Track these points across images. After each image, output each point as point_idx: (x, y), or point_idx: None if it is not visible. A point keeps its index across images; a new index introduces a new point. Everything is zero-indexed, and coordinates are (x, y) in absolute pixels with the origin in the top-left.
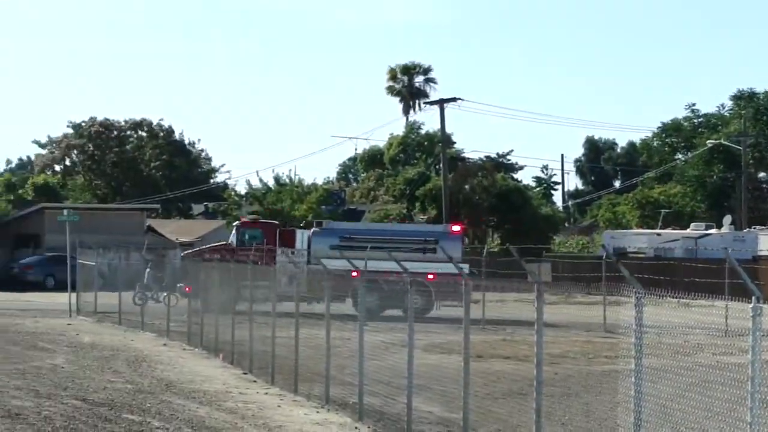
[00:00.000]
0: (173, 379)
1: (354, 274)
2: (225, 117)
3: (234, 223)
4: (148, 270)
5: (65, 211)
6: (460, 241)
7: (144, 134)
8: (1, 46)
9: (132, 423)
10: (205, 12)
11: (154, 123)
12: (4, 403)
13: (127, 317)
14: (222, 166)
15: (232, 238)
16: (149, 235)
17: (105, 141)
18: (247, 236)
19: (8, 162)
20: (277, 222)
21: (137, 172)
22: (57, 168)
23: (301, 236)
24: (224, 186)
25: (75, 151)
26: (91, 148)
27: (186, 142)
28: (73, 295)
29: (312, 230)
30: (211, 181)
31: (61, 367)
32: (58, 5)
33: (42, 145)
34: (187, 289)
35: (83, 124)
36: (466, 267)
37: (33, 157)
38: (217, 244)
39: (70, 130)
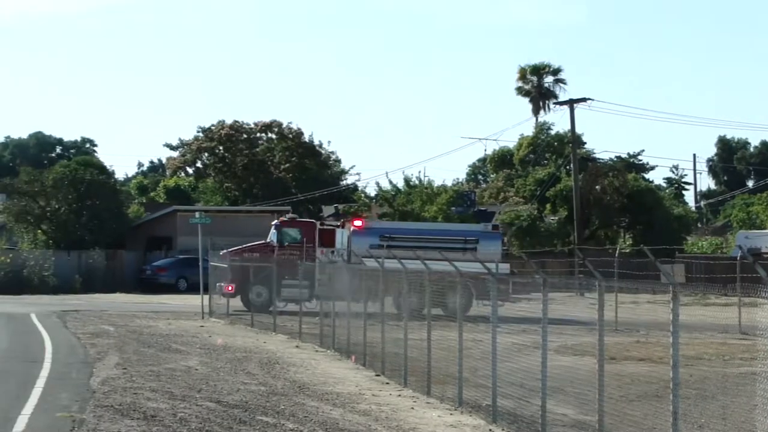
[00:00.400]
0: (306, 381)
1: None
2: (355, 119)
3: (272, 222)
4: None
5: (197, 214)
6: (499, 240)
7: (274, 136)
8: (132, 51)
9: (266, 425)
10: (335, 13)
11: (284, 125)
12: (140, 405)
13: (259, 319)
14: (352, 167)
15: (272, 237)
16: None
17: (235, 143)
18: (286, 235)
19: (140, 165)
20: (314, 221)
21: (267, 174)
22: (189, 170)
23: (341, 235)
24: (354, 188)
25: (206, 154)
26: (222, 151)
27: (316, 143)
28: (206, 297)
29: (352, 229)
30: (341, 182)
31: (195, 369)
32: (185, 12)
33: (173, 148)
34: (229, 288)
35: (213, 127)
36: (506, 267)
37: (164, 160)
38: (257, 243)
39: (201, 134)
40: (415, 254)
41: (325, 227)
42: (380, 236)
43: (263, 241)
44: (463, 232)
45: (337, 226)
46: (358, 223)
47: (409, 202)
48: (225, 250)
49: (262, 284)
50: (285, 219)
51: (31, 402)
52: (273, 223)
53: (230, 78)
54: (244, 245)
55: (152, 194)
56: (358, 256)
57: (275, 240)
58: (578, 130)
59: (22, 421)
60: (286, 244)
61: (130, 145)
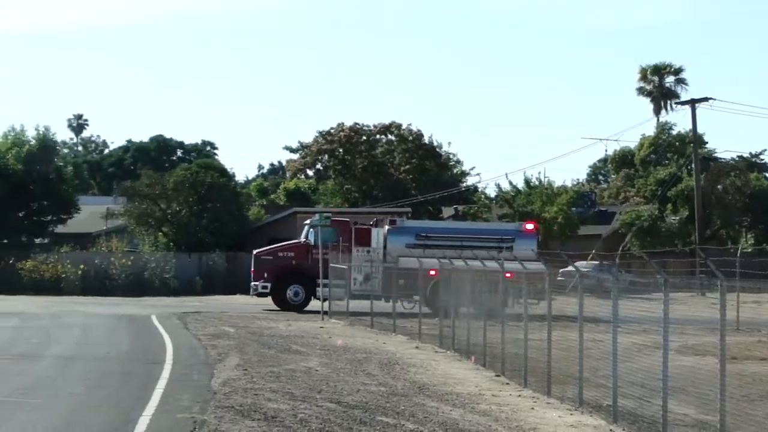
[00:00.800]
0: (426, 382)
1: (432, 272)
2: (476, 120)
3: (305, 222)
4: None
5: (317, 215)
6: (534, 240)
7: (393, 138)
8: (253, 55)
9: (386, 426)
10: (453, 15)
11: (404, 127)
12: (261, 406)
13: (379, 320)
14: (472, 169)
15: (309, 236)
16: None
17: (355, 146)
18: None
19: (260, 167)
20: (349, 219)
21: (387, 175)
22: (308, 173)
23: (377, 234)
24: (474, 189)
25: (326, 156)
26: (341, 153)
27: (435, 145)
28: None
29: (387, 228)
30: (461, 184)
31: (315, 370)
32: (304, 17)
33: (293, 151)
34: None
35: (332, 130)
36: (541, 265)
37: (284, 163)
38: (292, 242)
39: (320, 137)
40: (459, 254)
41: (360, 226)
42: (416, 235)
43: (298, 241)
44: (498, 231)
45: (372, 225)
46: (530, 226)
47: (529, 202)
48: (262, 249)
49: (300, 283)
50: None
51: (152, 403)
52: (306, 222)
53: (350, 80)
54: (279, 244)
55: (272, 196)
56: (392, 256)
57: (312, 239)
58: (700, 129)
59: (143, 422)
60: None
61: (250, 147)
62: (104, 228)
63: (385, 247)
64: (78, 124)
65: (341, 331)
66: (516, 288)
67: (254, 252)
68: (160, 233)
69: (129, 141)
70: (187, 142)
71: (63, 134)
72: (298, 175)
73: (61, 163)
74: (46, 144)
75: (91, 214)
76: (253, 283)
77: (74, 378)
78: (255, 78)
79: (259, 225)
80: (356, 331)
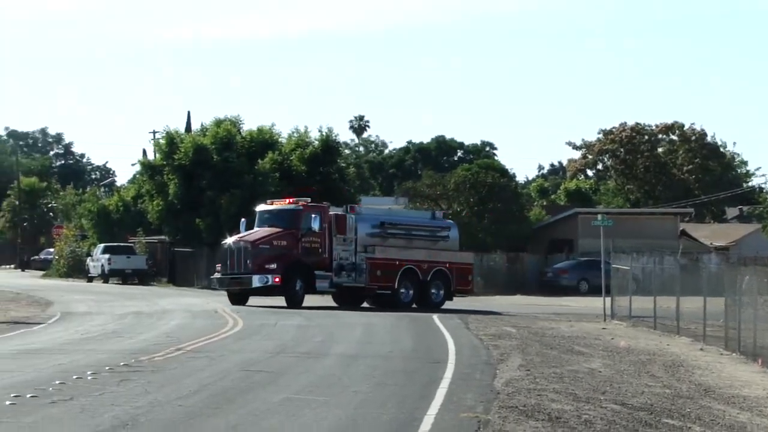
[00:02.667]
0: (711, 384)
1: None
2: (761, 119)
3: (291, 207)
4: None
5: (599, 216)
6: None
7: (675, 138)
8: (532, 55)
9: (672, 428)
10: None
11: (686, 126)
12: (544, 407)
13: (662, 322)
14: (758, 169)
15: (314, 224)
16: (683, 240)
17: (636, 146)
18: (308, 221)
19: (540, 168)
20: (326, 204)
21: (669, 175)
22: (588, 173)
23: (351, 221)
24: (759, 189)
25: (607, 156)
26: (623, 153)
27: (719, 144)
28: (607, 299)
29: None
30: (745, 184)
31: (598, 371)
32: (593, 14)
33: (576, 147)
34: (276, 279)
35: (614, 130)
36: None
37: (564, 163)
38: (282, 229)
39: (601, 136)
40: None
41: (337, 213)
42: (380, 223)
43: (286, 228)
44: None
45: (347, 212)
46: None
47: None
48: (254, 238)
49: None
50: (307, 204)
51: (436, 402)
52: (292, 208)
53: (632, 80)
54: (273, 232)
55: (552, 197)
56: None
57: (302, 227)
58: None
59: (428, 420)
60: (308, 230)
61: (530, 148)
62: None
63: (356, 234)
64: (359, 126)
65: (624, 332)
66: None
67: (250, 240)
68: None
69: (409, 142)
70: (467, 142)
71: (345, 135)
72: (579, 176)
73: (344, 164)
74: (329, 145)
75: None
76: (256, 276)
77: (358, 376)
78: (532, 78)
79: (540, 226)
80: (639, 333)
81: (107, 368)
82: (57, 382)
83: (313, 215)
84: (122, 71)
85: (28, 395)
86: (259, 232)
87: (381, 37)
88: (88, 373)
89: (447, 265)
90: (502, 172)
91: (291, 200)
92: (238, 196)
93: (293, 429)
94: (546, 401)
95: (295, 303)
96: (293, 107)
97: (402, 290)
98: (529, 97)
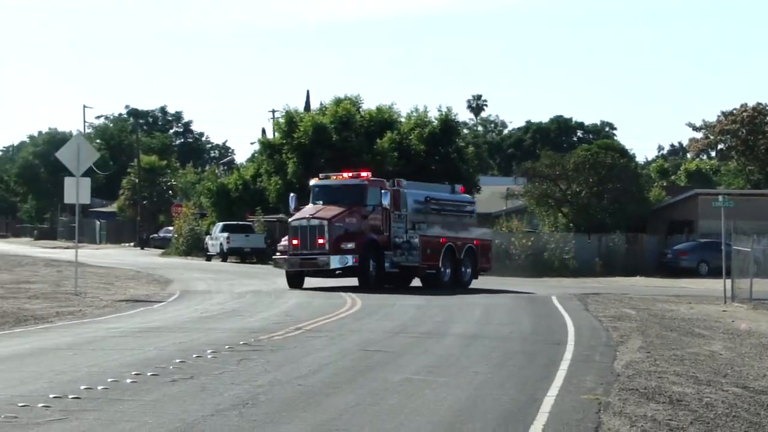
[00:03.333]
0: None
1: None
2: None
3: (355, 182)
4: None
5: (720, 197)
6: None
7: None
8: (647, 34)
9: None
10: None
11: None
12: (665, 389)
13: None
14: None
15: (384, 200)
16: None
17: (758, 126)
18: (377, 196)
19: (660, 148)
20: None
21: None
22: (711, 153)
23: (406, 197)
24: None
25: (728, 137)
26: (744, 134)
27: None
28: (728, 281)
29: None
30: None
31: (719, 353)
32: None
33: (696, 129)
34: (356, 260)
35: (735, 111)
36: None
37: (685, 143)
38: (353, 205)
39: (722, 117)
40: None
41: (394, 188)
42: (425, 199)
43: (353, 205)
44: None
45: (398, 187)
46: None
47: None
48: (330, 215)
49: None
50: (370, 178)
51: (555, 383)
52: (358, 182)
53: (754, 60)
54: (344, 209)
55: (673, 177)
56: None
57: (369, 202)
58: None
59: (548, 402)
60: (375, 206)
61: (650, 128)
62: (504, 208)
63: (407, 210)
64: (477, 105)
65: (744, 314)
66: None
67: (300, 215)
68: (560, 214)
69: (528, 122)
70: (587, 122)
71: (463, 115)
72: (700, 156)
73: (462, 144)
74: (448, 125)
75: (491, 194)
76: (331, 257)
77: (477, 356)
78: (652, 58)
79: (659, 206)
80: (760, 316)
81: (227, 347)
82: (177, 360)
83: (382, 190)
84: (242, 51)
85: (149, 373)
86: (329, 209)
87: (500, 16)
88: (208, 351)
89: (475, 242)
90: (622, 152)
91: (350, 174)
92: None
93: (413, 409)
94: (666, 384)
95: (369, 284)
96: (412, 87)
97: (444, 269)
98: (650, 77)
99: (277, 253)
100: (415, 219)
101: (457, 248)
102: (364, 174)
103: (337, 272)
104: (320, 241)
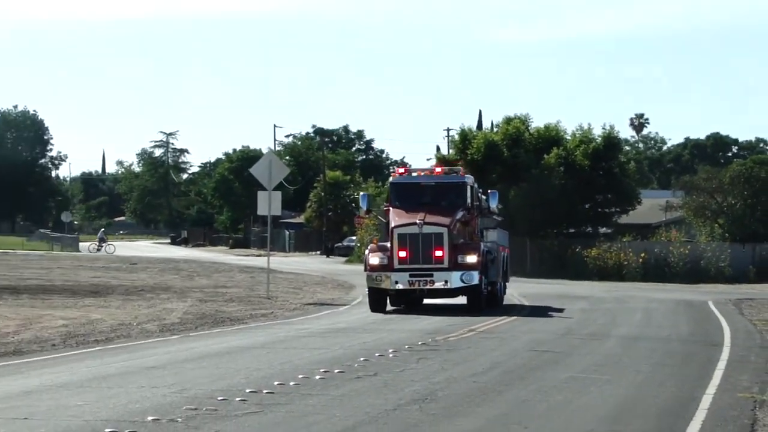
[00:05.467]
0: None
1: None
2: None
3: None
4: None
5: None
6: None
7: None
8: None
9: None
10: None
11: None
12: None
13: None
14: None
15: (491, 202)
16: None
17: None
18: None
19: None
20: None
21: None
22: None
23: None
24: None
25: None
26: None
27: None
28: None
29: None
30: None
31: None
32: None
33: None
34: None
35: None
36: None
37: None
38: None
39: None
40: None
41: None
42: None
43: (453, 207)
44: None
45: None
46: None
47: None
48: (447, 221)
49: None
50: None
51: (713, 382)
52: (456, 180)
53: None
54: (453, 213)
55: None
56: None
57: (472, 204)
58: None
59: (706, 400)
60: (483, 209)
61: None
62: (663, 219)
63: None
64: (639, 123)
65: None
66: None
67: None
68: (716, 225)
69: (686, 138)
70: (741, 139)
71: (625, 132)
72: None
73: (624, 159)
74: (610, 141)
75: (651, 206)
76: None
77: (638, 357)
78: None
79: None
80: None
81: (406, 347)
82: (361, 359)
83: (489, 191)
84: (417, 72)
85: (336, 370)
86: (440, 213)
87: (661, 39)
88: (390, 351)
89: (507, 251)
90: None
91: (440, 168)
92: (525, 189)
93: (580, 405)
94: None
95: (480, 307)
96: (577, 107)
97: (502, 281)
98: None
99: (367, 267)
100: (483, 224)
101: (504, 260)
102: (456, 169)
103: (457, 294)
104: (438, 253)
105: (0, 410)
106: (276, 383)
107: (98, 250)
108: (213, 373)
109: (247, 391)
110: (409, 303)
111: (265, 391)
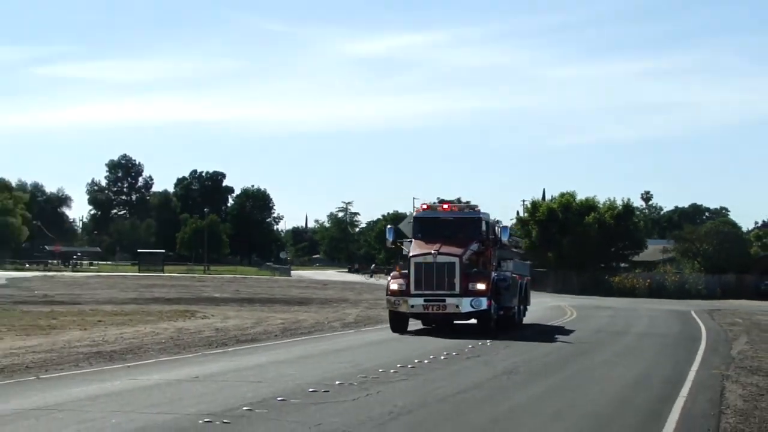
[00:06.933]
0: None
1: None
2: None
3: (488, 219)
4: None
5: None
6: None
7: None
8: None
9: None
10: None
11: None
12: (764, 367)
13: None
14: None
15: (503, 236)
16: None
17: None
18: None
19: (761, 223)
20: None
21: None
22: None
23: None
24: None
25: None
26: None
27: None
28: None
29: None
30: None
31: None
32: None
33: None
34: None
35: None
36: None
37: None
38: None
39: None
40: None
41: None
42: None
43: (469, 240)
44: None
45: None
46: None
47: None
48: (459, 251)
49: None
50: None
51: (695, 363)
52: (473, 215)
53: None
54: (467, 245)
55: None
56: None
57: (486, 237)
58: None
59: (691, 375)
60: (496, 243)
61: (747, 208)
62: (661, 258)
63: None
64: (647, 197)
65: None
66: None
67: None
68: (696, 262)
69: (675, 206)
70: (711, 207)
71: (637, 202)
72: None
73: (636, 220)
74: (628, 209)
75: (653, 250)
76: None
77: (646, 347)
78: None
79: (758, 257)
80: None
81: (488, 342)
82: (470, 345)
83: (502, 225)
84: (500, 163)
85: (454, 353)
86: (450, 244)
87: (662, 143)
88: (488, 342)
89: (527, 279)
90: (733, 225)
91: (454, 205)
92: (573, 239)
93: (611, 377)
94: (765, 364)
95: (491, 330)
96: (607, 185)
97: (519, 306)
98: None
99: (388, 292)
100: (501, 255)
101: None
102: (471, 206)
103: (468, 318)
104: (450, 280)
105: (243, 375)
106: (416, 360)
107: (370, 277)
108: (376, 354)
109: (398, 365)
110: (438, 324)
111: (409, 366)
